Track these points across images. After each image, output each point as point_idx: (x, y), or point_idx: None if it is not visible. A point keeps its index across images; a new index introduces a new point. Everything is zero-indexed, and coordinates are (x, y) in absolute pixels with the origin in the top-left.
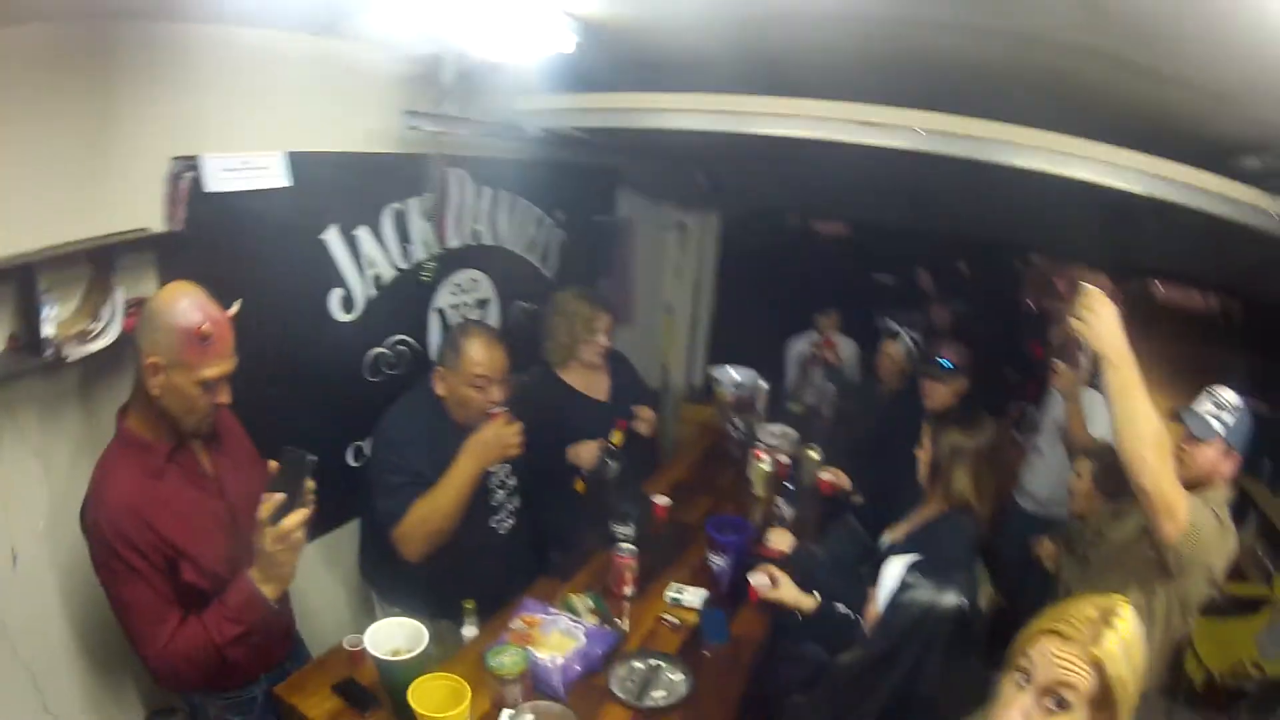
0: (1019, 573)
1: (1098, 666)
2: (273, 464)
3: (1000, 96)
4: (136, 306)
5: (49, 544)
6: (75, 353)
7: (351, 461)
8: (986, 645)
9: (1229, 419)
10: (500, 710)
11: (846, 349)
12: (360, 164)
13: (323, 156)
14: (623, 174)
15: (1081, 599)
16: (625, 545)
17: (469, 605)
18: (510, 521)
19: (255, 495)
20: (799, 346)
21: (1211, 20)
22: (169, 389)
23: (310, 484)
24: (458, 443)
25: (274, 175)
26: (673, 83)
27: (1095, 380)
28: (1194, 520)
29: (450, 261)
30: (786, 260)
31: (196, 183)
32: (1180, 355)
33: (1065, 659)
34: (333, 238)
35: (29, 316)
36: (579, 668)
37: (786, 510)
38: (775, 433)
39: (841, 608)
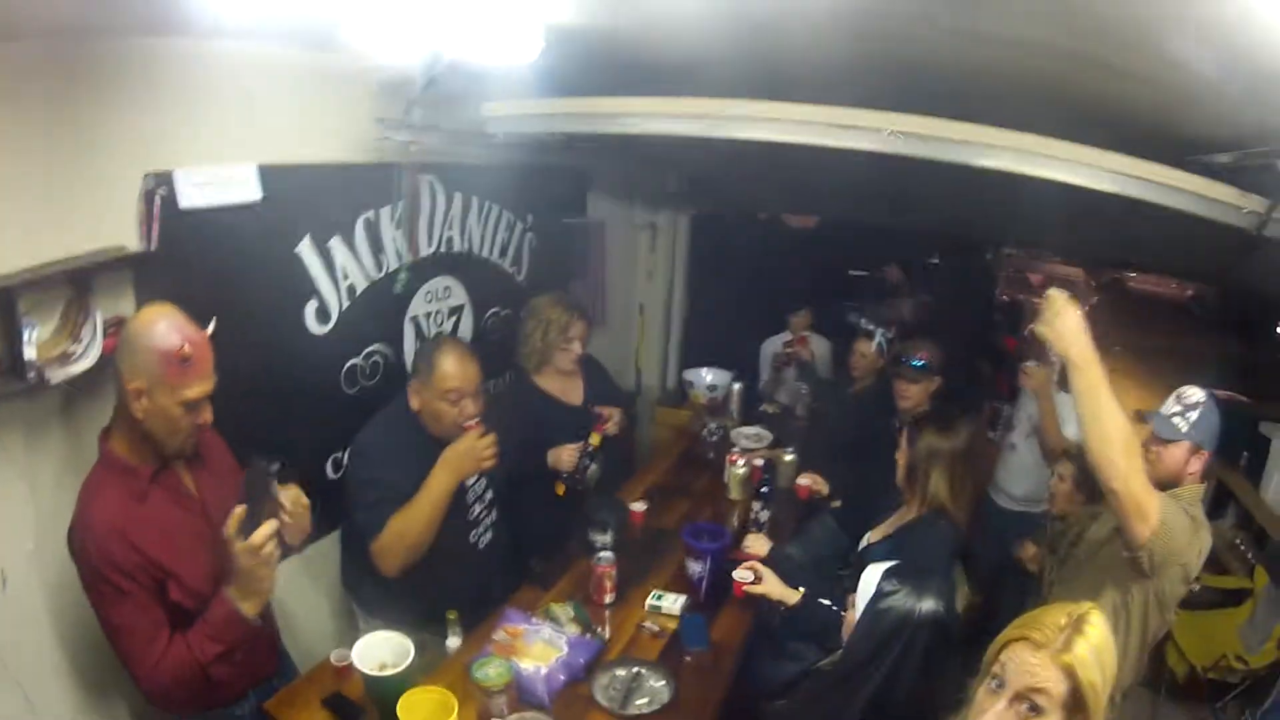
0: (995, 570)
1: (1069, 672)
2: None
3: (977, 97)
4: (116, 326)
5: (38, 564)
6: (58, 375)
7: (331, 473)
8: (963, 646)
9: (1194, 418)
10: None
11: (820, 348)
12: (331, 174)
13: (294, 168)
14: (593, 176)
15: (1053, 607)
16: (604, 554)
17: (452, 616)
18: (488, 535)
19: None
20: (773, 347)
21: (1183, 23)
22: (153, 412)
23: (296, 492)
24: (434, 456)
25: (247, 189)
26: (646, 86)
27: (1064, 382)
28: (1165, 520)
29: (423, 270)
30: (759, 258)
31: (170, 198)
32: (1157, 346)
33: (1037, 665)
34: (306, 249)
35: (10, 340)
36: (563, 677)
37: (763, 513)
38: (750, 435)
39: (826, 601)
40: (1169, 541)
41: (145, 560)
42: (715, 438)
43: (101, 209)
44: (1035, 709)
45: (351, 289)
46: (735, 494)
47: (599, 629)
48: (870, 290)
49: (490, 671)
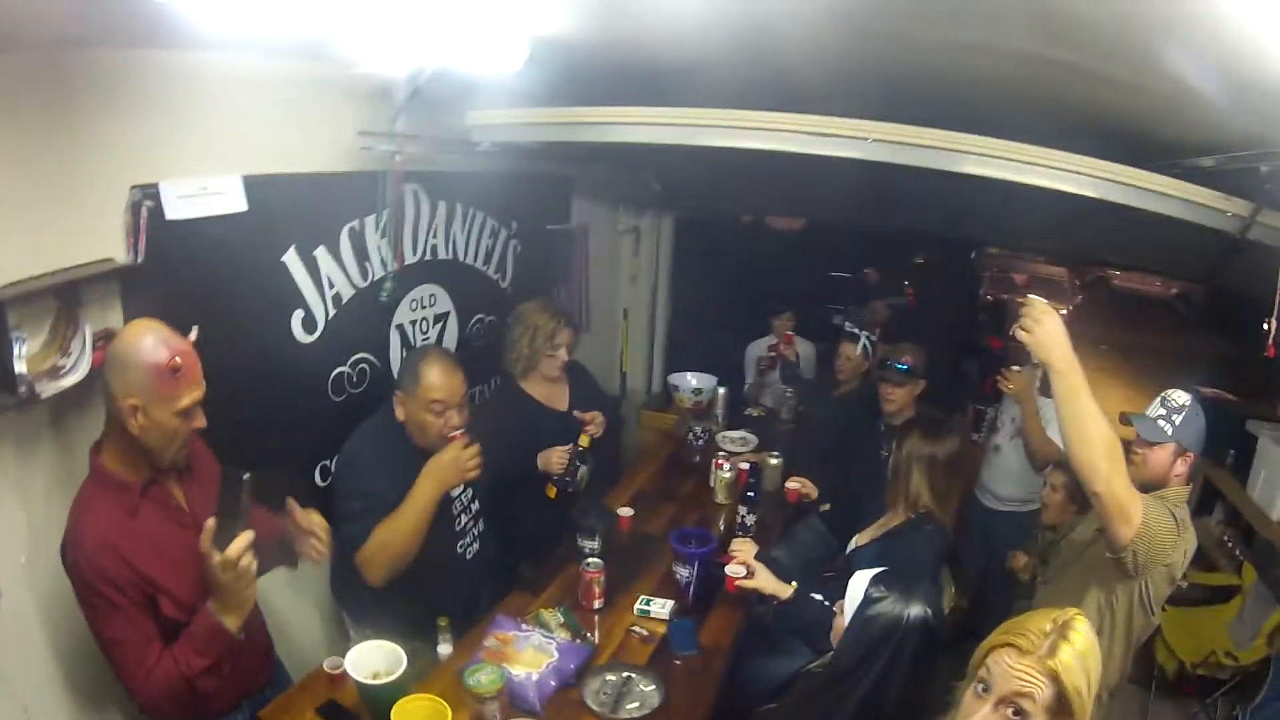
0: (981, 572)
1: (1053, 678)
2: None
3: (966, 106)
4: (104, 339)
5: (31, 576)
6: (49, 389)
7: (319, 481)
8: (950, 648)
9: (1179, 420)
10: None
11: (804, 350)
12: (316, 184)
13: (279, 178)
14: (576, 181)
15: (1038, 612)
16: (592, 560)
17: (443, 623)
18: (475, 546)
19: None
20: (757, 350)
21: (1164, 31)
22: (150, 427)
23: (317, 516)
24: (419, 466)
25: (231, 200)
26: (630, 95)
27: (1045, 388)
28: (1149, 521)
29: (408, 277)
30: (743, 261)
31: (157, 210)
32: (1143, 344)
33: (1022, 670)
34: (292, 259)
35: (0, 354)
36: (553, 683)
37: (749, 517)
38: (735, 439)
39: (818, 596)
40: (1152, 543)
41: (137, 575)
42: (701, 442)
43: (89, 221)
44: (1020, 713)
45: (337, 298)
46: (721, 498)
47: (588, 634)
48: (852, 292)
49: (482, 678)
